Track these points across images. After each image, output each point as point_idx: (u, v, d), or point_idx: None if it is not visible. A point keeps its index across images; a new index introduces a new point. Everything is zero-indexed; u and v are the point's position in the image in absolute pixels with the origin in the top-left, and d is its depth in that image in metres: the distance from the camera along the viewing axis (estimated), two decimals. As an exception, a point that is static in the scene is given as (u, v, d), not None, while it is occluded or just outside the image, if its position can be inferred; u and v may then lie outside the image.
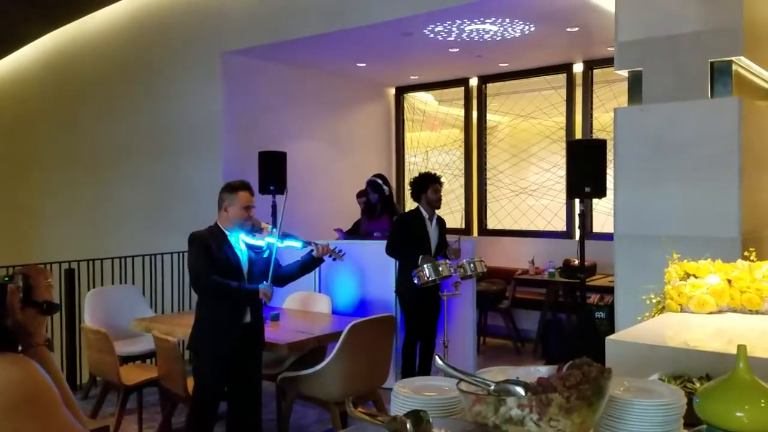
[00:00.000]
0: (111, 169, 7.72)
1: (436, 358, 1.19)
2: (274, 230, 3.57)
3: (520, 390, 1.07)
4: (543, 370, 1.16)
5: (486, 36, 5.80)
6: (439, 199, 5.14)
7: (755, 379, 1.04)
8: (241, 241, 3.53)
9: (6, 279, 1.22)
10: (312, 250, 3.65)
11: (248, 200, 3.49)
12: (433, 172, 5.39)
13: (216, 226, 3.51)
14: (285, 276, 3.69)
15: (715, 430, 1.03)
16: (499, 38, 5.87)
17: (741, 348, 1.04)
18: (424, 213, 5.09)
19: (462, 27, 5.54)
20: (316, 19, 5.80)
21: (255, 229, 3.55)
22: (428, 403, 1.25)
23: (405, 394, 1.31)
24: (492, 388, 1.09)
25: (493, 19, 5.32)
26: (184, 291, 6.47)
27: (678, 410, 1.15)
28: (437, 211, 5.20)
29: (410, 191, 5.22)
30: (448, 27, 5.56)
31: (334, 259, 3.76)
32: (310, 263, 3.70)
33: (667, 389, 1.24)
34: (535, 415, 0.99)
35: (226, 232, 3.48)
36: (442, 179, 5.34)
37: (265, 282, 3.48)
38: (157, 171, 7.27)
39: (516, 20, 5.38)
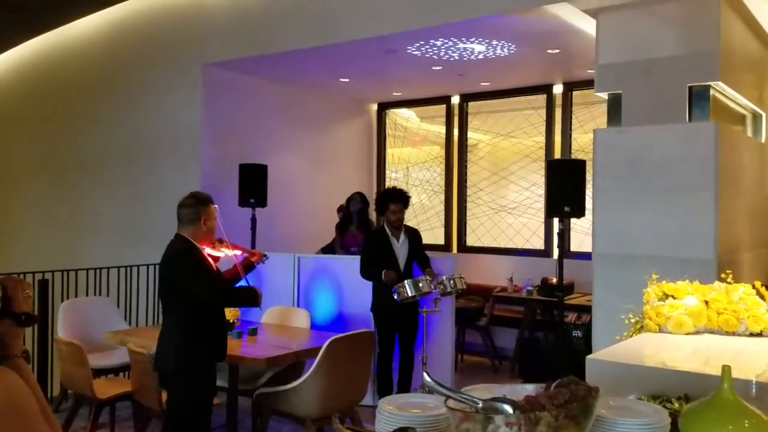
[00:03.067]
0: (87, 178, 7.63)
1: (425, 375, 1.18)
2: (225, 241, 3.57)
3: (508, 408, 1.07)
4: (530, 388, 1.16)
5: (471, 56, 5.87)
6: (399, 219, 4.98)
7: (739, 400, 1.05)
8: (205, 254, 3.46)
9: None
10: (246, 257, 3.68)
11: (215, 212, 3.46)
12: (398, 187, 5.29)
13: (187, 240, 3.34)
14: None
15: (699, 451, 1.04)
16: (481, 58, 5.94)
17: (726, 368, 1.05)
18: (389, 231, 5.05)
19: (446, 46, 5.59)
20: (299, 33, 5.81)
21: (213, 241, 3.52)
22: (413, 420, 1.24)
23: (390, 411, 1.30)
24: (480, 405, 1.08)
25: (477, 39, 5.38)
26: (157, 304, 6.38)
27: (662, 429, 1.15)
28: (419, 224, 5.19)
29: (374, 209, 5.20)
30: (431, 46, 5.61)
31: (261, 262, 3.76)
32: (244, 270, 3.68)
33: (650, 408, 1.25)
34: (523, 433, 0.99)
35: (198, 246, 3.37)
36: (418, 196, 5.26)
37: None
38: (134, 181, 7.19)
39: (499, 41, 5.45)
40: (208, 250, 3.45)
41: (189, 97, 6.65)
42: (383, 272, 4.74)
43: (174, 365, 3.29)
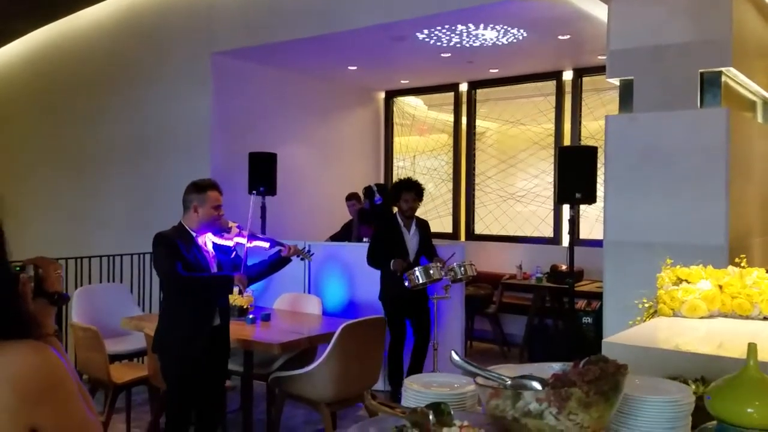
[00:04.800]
0: (98, 168, 7.66)
1: (453, 353, 1.21)
2: (243, 230, 3.52)
3: (537, 384, 1.09)
4: (556, 367, 1.19)
5: (482, 42, 5.85)
6: (411, 209, 5.03)
7: (764, 377, 1.07)
8: (208, 242, 3.44)
9: (17, 269, 1.21)
10: (280, 250, 3.61)
11: (217, 199, 3.39)
12: (414, 178, 5.31)
13: (181, 226, 3.38)
14: (253, 275, 3.62)
15: (726, 427, 1.06)
16: (492, 44, 5.93)
17: (752, 346, 1.07)
18: (400, 221, 5.08)
19: (456, 32, 5.58)
20: (308, 21, 5.81)
21: (223, 229, 3.47)
22: (440, 397, 1.26)
23: (416, 390, 1.33)
24: (509, 383, 1.11)
25: (489, 25, 5.37)
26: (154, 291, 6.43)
27: (688, 407, 1.18)
28: (426, 213, 5.21)
29: (389, 196, 5.22)
30: (441, 32, 5.60)
31: (302, 259, 3.74)
32: (278, 263, 3.65)
33: (675, 386, 1.27)
34: (555, 408, 1.01)
35: (193, 233, 3.37)
36: (425, 185, 5.28)
37: (238, 272, 3.42)
38: (145, 171, 7.22)
39: (510, 27, 5.43)
40: (213, 239, 3.41)
41: (199, 86, 6.66)
42: (392, 261, 4.77)
43: (158, 345, 3.44)
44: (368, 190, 6.23)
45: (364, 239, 5.95)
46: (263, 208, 6.29)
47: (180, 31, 6.84)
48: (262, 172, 6.20)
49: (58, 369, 0.93)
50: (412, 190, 5.02)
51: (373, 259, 4.99)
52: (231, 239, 3.49)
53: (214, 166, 6.60)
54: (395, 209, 5.26)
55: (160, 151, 7.07)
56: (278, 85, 7.18)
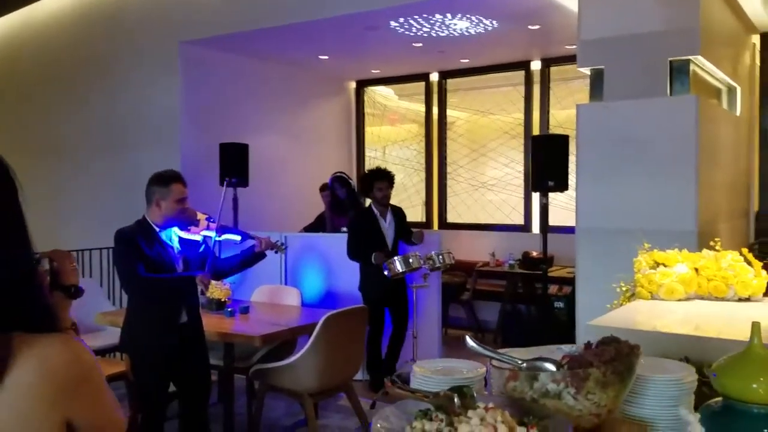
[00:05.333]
0: (65, 160, 7.48)
1: (467, 338, 1.22)
2: (212, 221, 3.38)
3: (551, 366, 1.12)
4: (566, 349, 1.22)
5: (455, 32, 5.87)
6: (385, 197, 5.07)
7: (768, 353, 1.12)
8: (174, 237, 3.31)
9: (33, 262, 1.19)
10: (253, 245, 3.49)
11: (182, 192, 3.23)
12: (383, 167, 5.34)
13: (144, 221, 3.24)
14: (224, 270, 3.52)
15: (731, 402, 1.11)
16: (464, 34, 5.96)
17: (755, 325, 1.12)
18: (375, 210, 5.11)
19: (429, 22, 5.59)
20: (280, 9, 5.75)
21: (190, 222, 3.33)
22: (453, 382, 1.28)
23: (424, 375, 1.34)
24: (524, 365, 1.13)
25: (462, 15, 5.40)
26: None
27: (692, 384, 1.22)
28: (399, 203, 5.24)
29: (360, 189, 5.23)
30: (415, 22, 5.61)
31: (276, 252, 3.62)
32: (251, 258, 3.52)
33: (678, 365, 1.31)
34: (573, 389, 1.04)
35: (156, 227, 3.23)
36: (397, 175, 5.30)
37: (201, 271, 3.30)
38: (113, 164, 7.08)
39: (483, 17, 5.47)
40: (178, 233, 3.29)
41: (167, 76, 6.54)
42: (373, 255, 4.79)
43: (124, 344, 3.39)
44: (341, 179, 6.22)
45: (342, 229, 5.95)
46: (235, 200, 6.22)
47: (147, 20, 6.70)
48: (234, 163, 6.13)
49: (91, 361, 0.92)
50: (385, 178, 5.06)
51: (353, 252, 5.00)
52: (198, 233, 3.34)
53: (185, 157, 6.50)
54: (368, 200, 5.27)
55: (129, 142, 6.94)
56: (248, 74, 7.10)
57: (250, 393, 4.44)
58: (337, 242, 5.35)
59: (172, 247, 3.31)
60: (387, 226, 5.09)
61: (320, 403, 4.31)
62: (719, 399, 1.16)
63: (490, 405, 0.98)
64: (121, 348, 3.43)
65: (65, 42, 7.43)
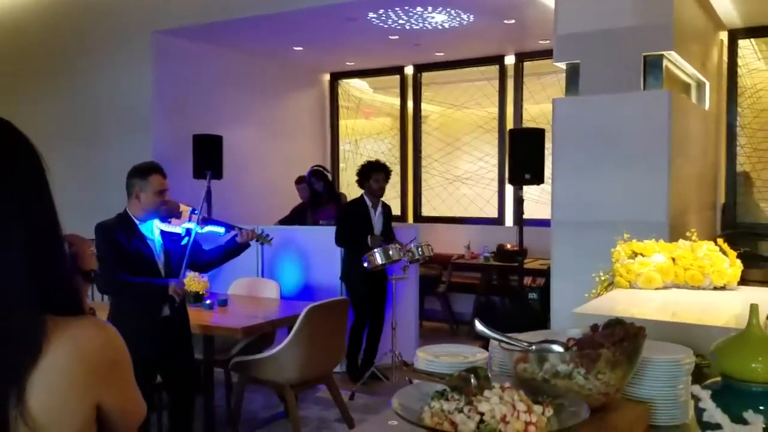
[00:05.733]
0: (31, 151, 7.29)
1: (476, 322, 1.25)
2: (195, 213, 3.34)
3: (558, 347, 1.15)
4: (572, 332, 1.25)
5: (432, 25, 5.89)
6: (381, 189, 5.19)
7: (766, 334, 1.16)
8: (155, 229, 3.27)
9: None
10: (236, 235, 3.47)
11: (161, 184, 3.19)
12: (376, 159, 5.44)
13: (125, 213, 3.21)
14: (208, 262, 3.49)
15: (731, 382, 1.15)
16: (440, 27, 5.99)
17: (753, 306, 1.16)
18: (368, 201, 5.15)
19: (407, 14, 5.60)
20: (255, 0, 5.71)
21: (172, 215, 3.29)
22: (458, 367, 1.31)
23: (428, 360, 1.36)
24: (533, 347, 1.16)
25: (440, 8, 5.42)
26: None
27: (690, 366, 1.27)
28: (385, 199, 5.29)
29: (356, 179, 5.26)
30: (393, 13, 5.61)
31: (262, 244, 3.63)
32: (234, 249, 3.50)
33: (676, 347, 1.36)
34: (583, 369, 1.07)
35: (137, 220, 3.20)
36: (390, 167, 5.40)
37: (176, 279, 3.24)
38: (83, 155, 6.94)
39: (460, 10, 5.50)
40: (161, 226, 3.25)
41: (139, 66, 6.44)
42: (369, 237, 4.84)
43: None
44: (318, 173, 6.21)
45: (321, 222, 5.94)
46: (209, 193, 6.15)
47: (119, 9, 6.57)
48: (208, 155, 6.08)
49: (122, 345, 0.92)
50: (382, 170, 5.16)
51: (341, 238, 5.02)
52: (180, 225, 3.30)
53: (156, 148, 6.41)
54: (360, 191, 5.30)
55: (100, 133, 6.82)
56: (221, 64, 7.02)
57: (228, 385, 4.42)
58: (314, 235, 5.35)
59: (153, 241, 3.26)
60: (377, 218, 5.15)
61: (299, 395, 4.32)
62: (717, 379, 1.20)
63: (507, 384, 1.01)
64: None
65: (35, 30, 7.24)
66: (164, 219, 3.26)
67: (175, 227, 3.29)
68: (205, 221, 3.41)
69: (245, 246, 3.51)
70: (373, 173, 5.14)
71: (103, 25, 6.70)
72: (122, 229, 3.15)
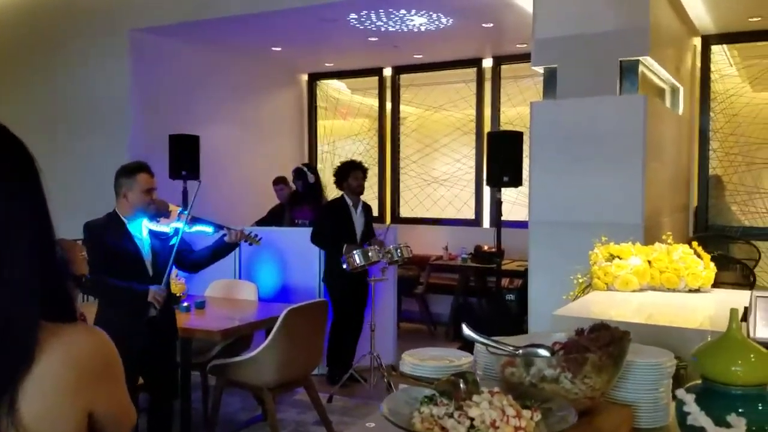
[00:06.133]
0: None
1: (464, 326, 1.25)
2: (184, 213, 3.35)
3: (545, 352, 1.16)
4: (556, 336, 1.26)
5: (412, 27, 5.91)
6: (360, 186, 5.20)
7: (745, 338, 1.19)
8: (144, 229, 3.26)
9: None
10: (224, 235, 3.47)
11: (149, 182, 3.21)
12: (351, 159, 5.45)
13: (114, 213, 3.22)
14: (197, 262, 3.50)
15: (712, 384, 1.17)
16: (420, 30, 6.00)
17: (733, 311, 1.19)
18: (349, 201, 5.15)
19: (387, 16, 5.61)
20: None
21: (160, 214, 3.30)
22: (445, 371, 1.31)
23: (414, 363, 1.37)
24: (520, 351, 1.17)
25: (420, 11, 5.44)
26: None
27: (671, 369, 1.29)
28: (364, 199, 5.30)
29: (334, 179, 5.26)
30: (373, 16, 5.61)
31: (251, 244, 3.62)
32: (222, 249, 3.50)
33: (656, 351, 1.38)
34: (569, 373, 1.08)
35: (125, 220, 3.20)
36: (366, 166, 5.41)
37: (157, 286, 3.21)
38: (57, 153, 6.81)
39: (440, 13, 5.52)
40: (149, 225, 3.25)
41: (115, 64, 6.35)
42: (345, 246, 4.82)
43: None
44: (299, 172, 6.18)
45: (298, 221, 5.92)
46: (185, 193, 6.11)
47: (95, 6, 6.48)
48: (185, 156, 6.02)
49: (114, 351, 0.91)
50: (359, 168, 5.18)
51: (319, 238, 5.00)
52: (168, 224, 3.30)
53: (132, 147, 6.34)
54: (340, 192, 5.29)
55: (75, 132, 6.71)
56: (199, 63, 6.96)
57: (205, 389, 4.38)
58: (292, 236, 5.33)
59: (141, 240, 3.26)
60: (357, 217, 5.15)
61: (276, 398, 4.29)
62: (698, 382, 1.23)
63: (496, 389, 1.02)
64: None
65: (10, 26, 7.10)
66: (153, 218, 3.27)
67: (164, 226, 3.30)
68: (194, 221, 3.42)
69: (234, 246, 3.52)
70: (351, 171, 5.15)
71: (79, 22, 6.60)
72: (110, 228, 3.16)
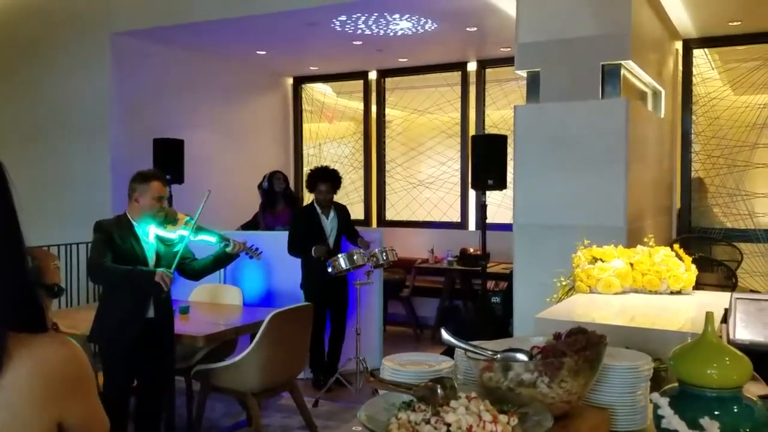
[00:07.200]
0: (-17, 155, 7.08)
1: (443, 331, 1.26)
2: (191, 221, 3.47)
3: (523, 356, 1.17)
4: (534, 340, 1.27)
5: (395, 32, 5.92)
6: (326, 199, 5.07)
7: (719, 341, 1.20)
8: (151, 233, 3.42)
9: None
10: (227, 245, 3.56)
11: (160, 190, 3.40)
12: (329, 166, 5.33)
13: (124, 216, 3.41)
14: (198, 270, 3.61)
15: (687, 387, 1.18)
16: (404, 34, 6.02)
17: (709, 314, 1.20)
18: (317, 207, 5.12)
19: (371, 21, 5.62)
20: (218, 3, 5.65)
21: (168, 221, 3.44)
22: (424, 376, 1.31)
23: (394, 369, 1.37)
24: (498, 356, 1.18)
25: (404, 15, 5.45)
26: (72, 285, 6.09)
27: (649, 372, 1.30)
28: (338, 199, 5.26)
29: (306, 185, 5.23)
30: (356, 20, 5.62)
31: (251, 257, 3.72)
32: (223, 258, 3.62)
33: (634, 354, 1.39)
34: (546, 378, 1.09)
35: (134, 223, 3.38)
36: (340, 172, 5.29)
37: (164, 269, 3.35)
38: (38, 158, 6.75)
39: (423, 17, 5.54)
40: (156, 230, 3.38)
41: (97, 68, 6.31)
42: (313, 248, 4.80)
43: (92, 334, 3.45)
44: (280, 173, 6.24)
45: (276, 227, 5.92)
46: (170, 198, 6.06)
47: (75, 10, 6.43)
48: (169, 160, 5.99)
49: (85, 362, 0.90)
50: (328, 180, 5.03)
51: (293, 247, 4.99)
52: (175, 231, 3.43)
53: (115, 151, 6.30)
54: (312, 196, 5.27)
55: (55, 137, 6.65)
56: (183, 67, 6.92)
57: (189, 394, 4.35)
58: (276, 241, 5.30)
59: (147, 243, 3.40)
60: (328, 222, 5.10)
61: (261, 403, 4.28)
62: (675, 385, 1.24)
63: (473, 395, 1.02)
64: (90, 338, 3.48)
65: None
66: (161, 224, 3.42)
67: (170, 233, 3.44)
68: (199, 230, 3.52)
69: (234, 256, 3.62)
70: (318, 183, 5.03)
71: (60, 26, 6.55)
72: (119, 228, 3.33)
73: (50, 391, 0.85)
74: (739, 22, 5.45)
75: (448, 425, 0.96)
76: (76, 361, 0.89)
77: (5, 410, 0.81)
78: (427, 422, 0.97)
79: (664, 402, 1.00)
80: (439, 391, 1.01)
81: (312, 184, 5.08)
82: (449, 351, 1.48)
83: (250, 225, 6.42)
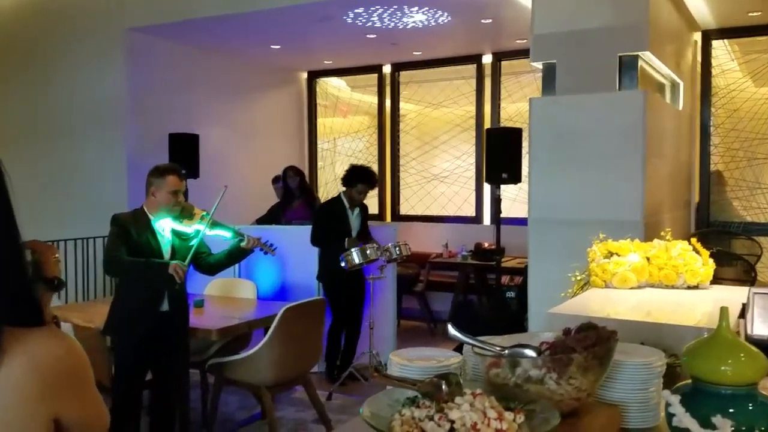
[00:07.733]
0: (3, 152, 7.15)
1: (449, 326, 1.24)
2: (206, 216, 3.47)
3: (531, 352, 1.14)
4: (544, 336, 1.24)
5: (409, 24, 5.88)
6: (360, 199, 5.12)
7: (735, 337, 1.17)
8: (167, 227, 3.43)
9: None
10: (241, 241, 3.56)
11: (177, 185, 3.40)
12: (364, 167, 5.29)
13: (141, 209, 3.43)
14: (213, 264, 3.62)
15: (701, 384, 1.15)
16: (418, 27, 5.98)
17: (723, 309, 1.17)
18: (346, 202, 5.11)
19: (385, 14, 5.58)
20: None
21: (184, 215, 3.44)
22: (431, 371, 1.29)
23: (401, 364, 1.35)
24: (506, 352, 1.15)
25: (419, 8, 5.41)
26: (88, 279, 6.15)
27: (661, 368, 1.27)
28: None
29: (342, 179, 5.20)
30: (370, 13, 5.59)
31: (266, 253, 3.70)
32: (237, 253, 3.61)
33: (647, 350, 1.36)
34: (555, 374, 1.06)
35: (151, 217, 3.39)
36: (341, 165, 5.32)
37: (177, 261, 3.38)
38: (55, 153, 6.82)
39: (438, 10, 5.49)
40: (173, 224, 3.39)
41: (112, 63, 6.35)
42: (346, 240, 4.81)
43: (107, 327, 3.49)
44: (294, 169, 6.23)
45: (293, 221, 5.92)
46: (186, 192, 6.08)
47: (90, 6, 6.47)
48: (184, 154, 6.01)
49: (83, 357, 0.89)
50: (369, 183, 5.06)
51: (317, 238, 4.99)
52: (191, 225, 3.44)
53: (130, 148, 6.34)
54: (344, 190, 5.23)
55: (71, 133, 6.70)
56: (197, 63, 6.94)
57: (204, 387, 4.37)
58: (291, 235, 5.31)
59: (162, 237, 3.42)
60: (354, 217, 5.13)
61: (275, 396, 4.29)
62: (688, 381, 1.21)
63: (478, 391, 1.00)
64: (104, 331, 3.53)
65: (6, 24, 7.10)
66: (177, 218, 3.42)
67: (186, 227, 3.45)
68: (215, 225, 3.52)
69: (249, 252, 3.62)
70: (358, 183, 5.03)
71: (76, 22, 6.59)
72: (135, 222, 3.36)
73: (45, 387, 0.84)
74: (759, 13, 5.34)
75: (452, 422, 0.94)
76: (72, 356, 0.88)
77: (0, 407, 0.80)
78: (431, 419, 0.95)
79: (674, 399, 0.98)
80: (443, 387, 0.99)
81: (352, 181, 5.04)
82: (462, 347, 1.46)
83: (265, 219, 6.43)
